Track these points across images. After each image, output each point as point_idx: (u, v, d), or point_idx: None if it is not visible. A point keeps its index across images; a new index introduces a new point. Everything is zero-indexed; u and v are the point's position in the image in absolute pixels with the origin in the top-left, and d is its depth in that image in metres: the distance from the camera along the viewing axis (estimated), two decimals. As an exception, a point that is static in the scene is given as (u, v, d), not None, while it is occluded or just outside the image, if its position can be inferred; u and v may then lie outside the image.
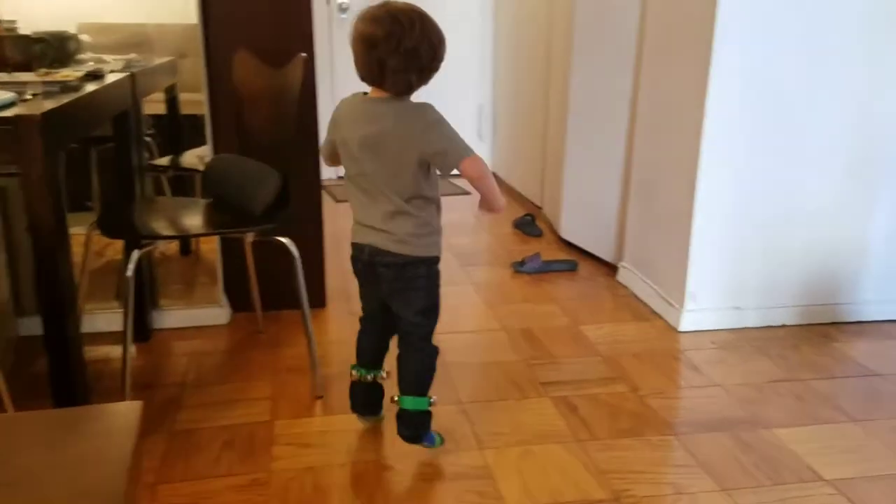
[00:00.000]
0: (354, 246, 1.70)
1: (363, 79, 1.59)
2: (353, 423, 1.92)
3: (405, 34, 1.51)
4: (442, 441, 1.83)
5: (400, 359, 1.76)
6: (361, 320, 1.85)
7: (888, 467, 1.77)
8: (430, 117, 1.57)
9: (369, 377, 1.84)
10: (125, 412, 1.00)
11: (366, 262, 1.68)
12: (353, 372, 1.86)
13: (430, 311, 1.72)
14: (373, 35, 1.52)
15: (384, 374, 1.86)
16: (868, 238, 2.50)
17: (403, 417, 1.75)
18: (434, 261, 1.68)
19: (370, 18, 1.53)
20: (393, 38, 1.50)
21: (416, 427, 1.75)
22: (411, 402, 1.73)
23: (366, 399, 1.88)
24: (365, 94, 1.63)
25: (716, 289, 2.47)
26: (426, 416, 1.76)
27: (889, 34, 2.31)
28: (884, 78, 2.35)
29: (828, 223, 2.46)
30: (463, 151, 1.56)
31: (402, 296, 1.68)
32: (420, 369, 1.74)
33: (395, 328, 1.76)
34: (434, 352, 1.75)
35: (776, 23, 2.25)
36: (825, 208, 2.45)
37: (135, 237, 1.91)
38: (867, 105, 2.37)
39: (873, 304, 2.56)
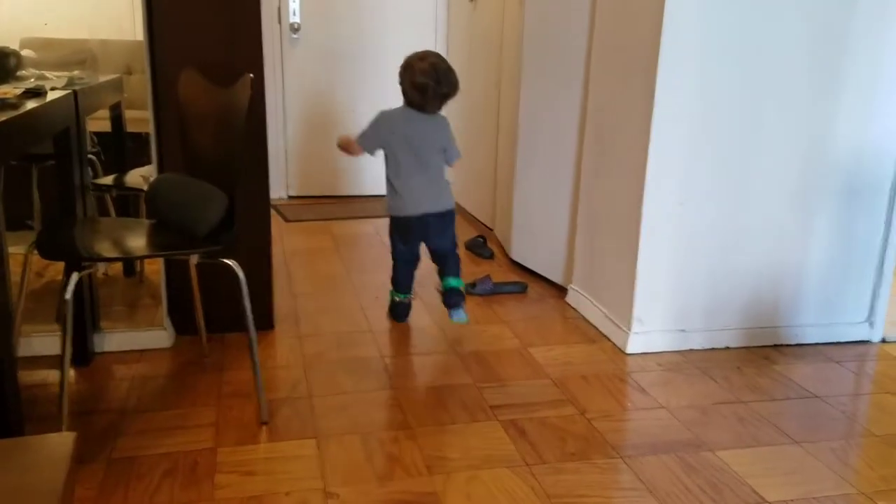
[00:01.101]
0: (408, 218, 2.58)
1: (411, 104, 2.53)
2: (299, 450, 1.89)
3: (443, 84, 2.48)
4: (468, 321, 2.68)
5: (445, 265, 2.67)
6: (399, 262, 2.71)
7: (829, 488, 1.81)
8: (447, 126, 2.61)
9: (405, 300, 2.75)
10: (58, 443, 0.97)
11: (417, 223, 2.58)
12: (396, 297, 2.75)
13: (456, 237, 2.67)
14: (424, 85, 2.46)
15: (414, 296, 2.79)
16: (807, 263, 2.57)
17: (451, 293, 2.63)
18: (454, 209, 2.65)
19: (421, 72, 2.46)
20: (437, 88, 2.47)
21: (458, 297, 2.62)
22: (456, 282, 2.64)
23: (403, 313, 2.76)
24: (405, 108, 2.55)
25: (662, 312, 2.51)
26: (463, 292, 2.66)
27: (831, 65, 2.40)
28: (825, 108, 2.44)
29: (769, 249, 2.53)
30: (458, 152, 2.63)
31: (443, 234, 2.61)
32: (458, 264, 2.67)
33: (436, 256, 2.68)
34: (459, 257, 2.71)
35: (720, 52, 2.32)
36: (767, 234, 2.52)
37: (75, 259, 1.86)
38: (808, 134, 2.45)
39: (812, 327, 2.63)
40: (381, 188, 3.95)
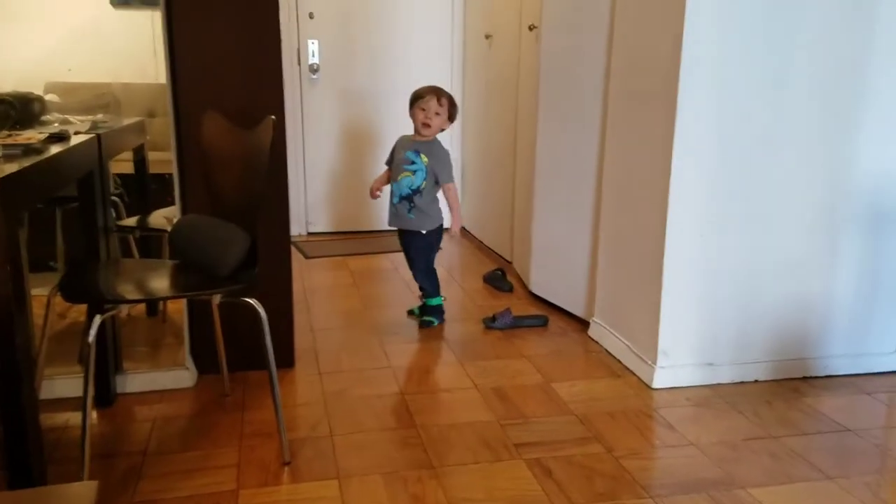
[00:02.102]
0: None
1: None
2: (321, 491, 1.87)
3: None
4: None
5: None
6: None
7: (865, 526, 1.75)
8: None
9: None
10: (80, 493, 0.96)
11: None
12: (440, 302, 3.10)
13: None
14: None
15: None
16: (835, 293, 2.53)
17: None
18: None
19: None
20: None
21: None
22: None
23: None
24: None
25: (688, 345, 2.47)
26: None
27: (850, 92, 2.38)
28: (848, 136, 2.42)
29: (796, 279, 2.49)
30: None
31: None
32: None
33: None
34: None
35: (740, 81, 2.31)
36: (793, 264, 2.48)
37: (98, 301, 1.87)
38: (830, 162, 2.43)
39: (842, 357, 2.58)
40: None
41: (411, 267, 3.10)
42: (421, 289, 3.10)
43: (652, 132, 2.43)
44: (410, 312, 3.17)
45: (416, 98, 2.96)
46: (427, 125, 2.93)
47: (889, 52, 2.37)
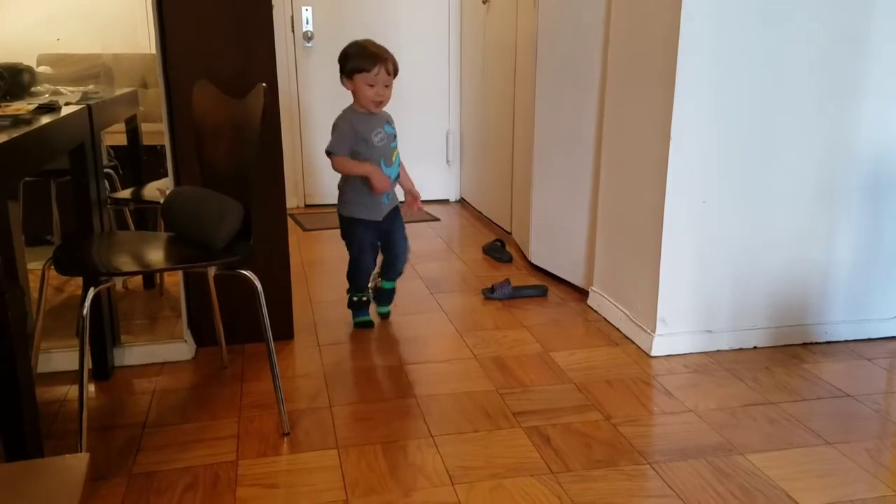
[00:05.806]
0: None
1: None
2: (321, 461, 1.87)
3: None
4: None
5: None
6: None
7: (865, 490, 1.75)
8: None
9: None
10: (72, 465, 0.95)
11: None
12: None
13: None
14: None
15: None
16: (833, 259, 2.51)
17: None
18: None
19: None
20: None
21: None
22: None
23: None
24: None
25: (687, 312, 2.46)
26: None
27: (852, 58, 2.34)
28: (848, 104, 2.38)
29: (795, 246, 2.48)
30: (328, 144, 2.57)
31: None
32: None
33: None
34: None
35: (739, 49, 2.27)
36: (793, 231, 2.46)
37: (91, 274, 1.85)
38: (830, 130, 2.40)
39: (840, 324, 2.57)
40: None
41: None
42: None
43: (651, 100, 2.40)
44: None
45: (360, 69, 2.43)
46: (381, 103, 2.50)
47: (889, 17, 2.33)
